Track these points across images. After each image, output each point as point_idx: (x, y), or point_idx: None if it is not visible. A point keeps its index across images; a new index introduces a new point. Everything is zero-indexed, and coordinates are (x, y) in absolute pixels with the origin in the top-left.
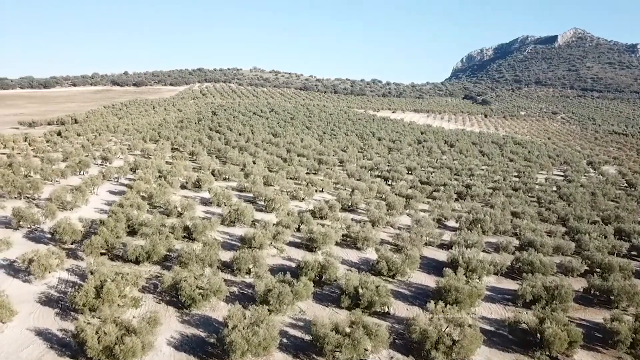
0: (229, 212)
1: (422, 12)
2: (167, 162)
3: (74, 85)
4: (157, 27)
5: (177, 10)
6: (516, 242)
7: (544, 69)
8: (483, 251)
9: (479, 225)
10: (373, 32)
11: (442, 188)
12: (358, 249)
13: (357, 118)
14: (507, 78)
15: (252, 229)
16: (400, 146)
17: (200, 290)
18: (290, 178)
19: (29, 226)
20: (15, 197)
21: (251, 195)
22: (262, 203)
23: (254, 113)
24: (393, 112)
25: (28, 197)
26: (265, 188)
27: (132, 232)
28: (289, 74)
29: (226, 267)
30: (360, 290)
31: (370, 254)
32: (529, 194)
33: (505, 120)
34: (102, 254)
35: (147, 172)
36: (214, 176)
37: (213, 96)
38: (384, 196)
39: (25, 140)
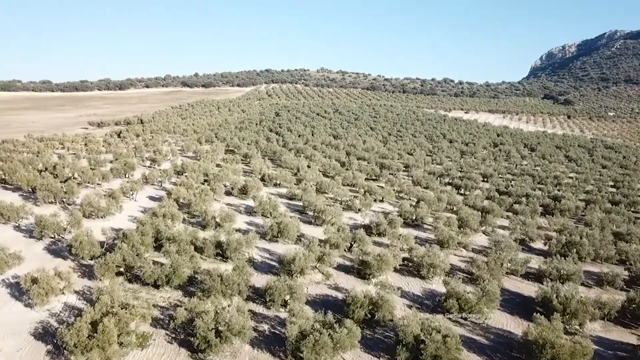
0: (271, 225)
1: (496, 8)
2: (217, 165)
3: (147, 86)
4: (227, 29)
5: (248, 13)
6: (625, 274)
7: (635, 66)
8: (581, 284)
9: (575, 249)
10: (444, 30)
11: (524, 200)
12: (422, 277)
13: (427, 118)
14: (593, 76)
15: (296, 247)
16: (474, 149)
17: (221, 327)
18: (347, 185)
19: (52, 236)
20: (50, 202)
21: (301, 204)
22: (312, 214)
23: (317, 114)
24: (466, 113)
25: (64, 202)
26: (318, 196)
27: (159, 247)
28: (356, 73)
29: (259, 296)
30: (422, 337)
31: (437, 285)
32: (632, 209)
33: (591, 122)
34: (119, 273)
35: (192, 177)
36: (263, 181)
37: (278, 97)
38: (455, 208)
39: (83, 141)
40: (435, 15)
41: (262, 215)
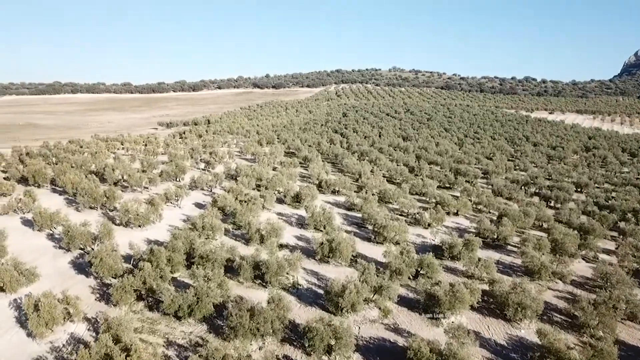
0: (322, 244)
1: (583, 2)
2: (273, 169)
3: (219, 88)
4: (297, 31)
5: (320, 13)
6: None
7: None
8: None
9: None
10: (524, 26)
11: (631, 216)
12: (507, 320)
13: (507, 119)
14: None
15: (349, 271)
16: (563, 154)
17: None
18: (415, 193)
19: (81, 247)
20: (91, 207)
21: (360, 215)
22: (372, 228)
23: (387, 114)
24: (550, 113)
25: (105, 207)
26: (380, 207)
27: (192, 264)
28: (430, 72)
29: (299, 336)
30: None
31: (527, 332)
32: None
33: None
34: (140, 297)
35: (244, 182)
36: (320, 188)
37: (347, 97)
38: (545, 226)
39: (144, 142)
40: (514, 10)
41: (314, 228)
